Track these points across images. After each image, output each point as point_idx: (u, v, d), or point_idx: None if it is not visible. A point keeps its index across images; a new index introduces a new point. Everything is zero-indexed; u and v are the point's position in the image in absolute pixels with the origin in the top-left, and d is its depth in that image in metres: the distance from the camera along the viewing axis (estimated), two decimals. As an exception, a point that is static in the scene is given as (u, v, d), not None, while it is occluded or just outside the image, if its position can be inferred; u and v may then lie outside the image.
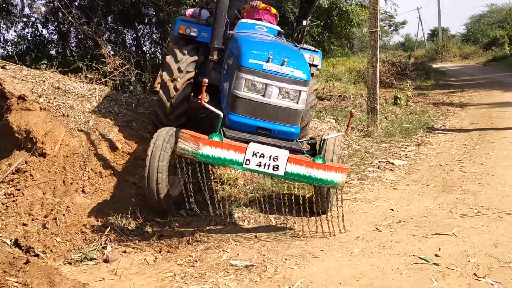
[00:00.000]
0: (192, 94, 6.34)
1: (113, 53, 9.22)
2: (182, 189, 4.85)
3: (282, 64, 4.26)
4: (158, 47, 14.18)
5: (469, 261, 3.70)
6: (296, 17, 6.72)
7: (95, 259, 4.22)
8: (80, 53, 12.73)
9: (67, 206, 5.07)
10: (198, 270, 3.85)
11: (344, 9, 13.30)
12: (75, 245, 4.48)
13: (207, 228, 4.65)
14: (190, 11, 7.26)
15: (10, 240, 4.48)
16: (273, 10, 5.90)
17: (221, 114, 4.20)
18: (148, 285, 3.70)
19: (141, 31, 14.01)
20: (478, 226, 4.39)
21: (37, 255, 4.28)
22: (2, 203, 5.03)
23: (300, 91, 4.35)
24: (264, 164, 4.02)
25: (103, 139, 6.26)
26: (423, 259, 3.79)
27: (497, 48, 30.96)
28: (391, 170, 6.60)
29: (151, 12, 13.78)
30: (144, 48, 13.92)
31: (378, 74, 9.19)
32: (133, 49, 13.20)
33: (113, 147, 6.27)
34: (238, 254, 4.09)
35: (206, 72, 6.16)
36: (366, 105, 9.35)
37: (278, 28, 5.73)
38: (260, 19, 5.81)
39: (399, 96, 11.66)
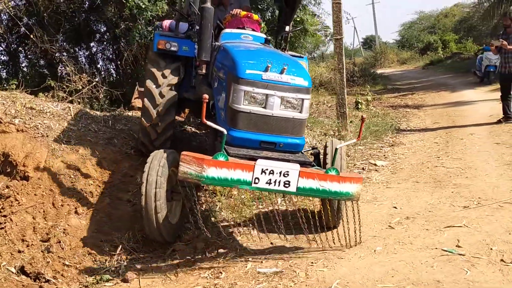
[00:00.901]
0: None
1: (69, 71, 8.91)
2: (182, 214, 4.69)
3: (281, 72, 4.04)
4: (112, 63, 13.91)
5: (491, 249, 3.83)
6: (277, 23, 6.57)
7: (111, 279, 4.06)
8: (32, 73, 12.29)
9: (64, 229, 4.87)
10: (227, 281, 3.77)
11: (299, 19, 13.54)
12: (86, 268, 4.29)
13: (219, 239, 4.57)
14: (167, 23, 7.06)
15: (15, 268, 4.23)
16: (255, 17, 5.77)
17: (224, 131, 3.91)
18: (180, 300, 3.60)
19: (94, 48, 13.68)
20: (484, 216, 4.55)
21: (48, 281, 4.06)
22: (-10, 232, 4.73)
23: (303, 99, 4.13)
24: (275, 181, 3.76)
25: (87, 158, 6.06)
26: (446, 251, 3.88)
27: (432, 52, 32.41)
28: (376, 170, 6.75)
29: (103, 29, 13.49)
30: (98, 65, 13.59)
31: (345, 80, 9.41)
32: (86, 66, 12.85)
33: (98, 166, 6.07)
34: (262, 262, 4.04)
35: (188, 87, 5.99)
36: (336, 111, 9.54)
37: (263, 35, 5.64)
38: (243, 28, 5.67)
39: (360, 101, 11.97)
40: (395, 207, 5.11)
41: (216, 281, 3.79)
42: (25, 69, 12.71)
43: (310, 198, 5.17)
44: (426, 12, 42.78)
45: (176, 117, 7.75)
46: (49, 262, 4.25)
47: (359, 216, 4.09)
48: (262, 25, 6.19)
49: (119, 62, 12.67)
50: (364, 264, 3.82)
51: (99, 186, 5.75)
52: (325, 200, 4.46)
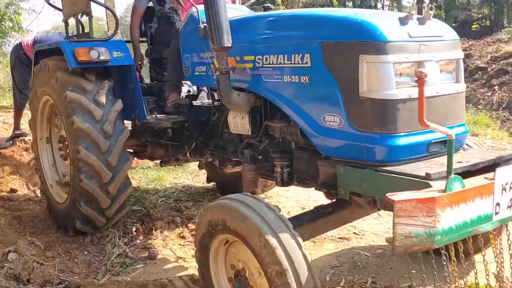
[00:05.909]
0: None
1: None
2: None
3: (422, 23, 2.55)
4: None
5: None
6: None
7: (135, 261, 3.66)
8: None
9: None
10: None
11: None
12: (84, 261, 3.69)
13: None
14: (28, 41, 5.76)
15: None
16: None
17: (453, 135, 2.11)
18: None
19: None
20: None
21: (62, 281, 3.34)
22: None
23: (459, 60, 2.71)
24: None
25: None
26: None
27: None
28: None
29: None
30: None
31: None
32: None
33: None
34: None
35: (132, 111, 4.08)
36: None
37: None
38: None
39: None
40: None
41: None
42: None
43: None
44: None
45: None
46: (34, 268, 3.43)
47: None
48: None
49: None
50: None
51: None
52: None
